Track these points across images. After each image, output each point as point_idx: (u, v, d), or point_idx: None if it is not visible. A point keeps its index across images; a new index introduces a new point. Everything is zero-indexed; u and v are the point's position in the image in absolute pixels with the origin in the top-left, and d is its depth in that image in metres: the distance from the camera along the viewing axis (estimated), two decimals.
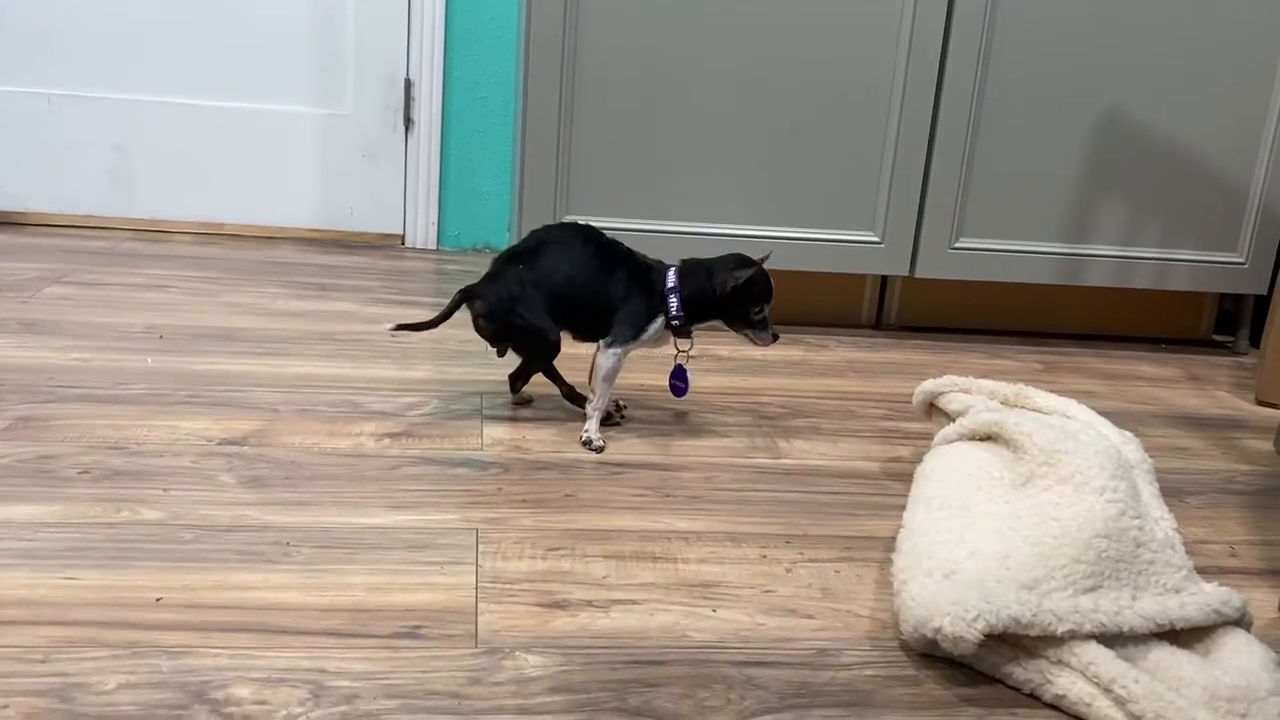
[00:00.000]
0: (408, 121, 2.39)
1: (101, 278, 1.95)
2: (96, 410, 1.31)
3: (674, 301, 1.32)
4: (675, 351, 1.39)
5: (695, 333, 1.36)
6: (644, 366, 1.50)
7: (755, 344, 1.35)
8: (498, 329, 1.32)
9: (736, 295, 1.31)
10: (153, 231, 2.37)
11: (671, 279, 1.33)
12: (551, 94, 1.77)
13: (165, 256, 2.17)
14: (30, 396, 1.34)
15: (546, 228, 1.38)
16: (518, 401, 1.44)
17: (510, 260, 1.33)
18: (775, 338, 1.34)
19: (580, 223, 1.37)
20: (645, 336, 1.33)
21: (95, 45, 2.30)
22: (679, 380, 1.41)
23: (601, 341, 1.33)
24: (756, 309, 1.32)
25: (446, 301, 1.32)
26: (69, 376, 1.42)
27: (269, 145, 2.38)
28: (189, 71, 2.33)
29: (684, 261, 1.35)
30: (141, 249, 2.21)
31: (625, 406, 1.44)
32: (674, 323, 1.33)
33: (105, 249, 2.18)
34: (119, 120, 2.34)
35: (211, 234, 2.39)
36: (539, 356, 1.37)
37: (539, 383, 1.43)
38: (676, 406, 1.47)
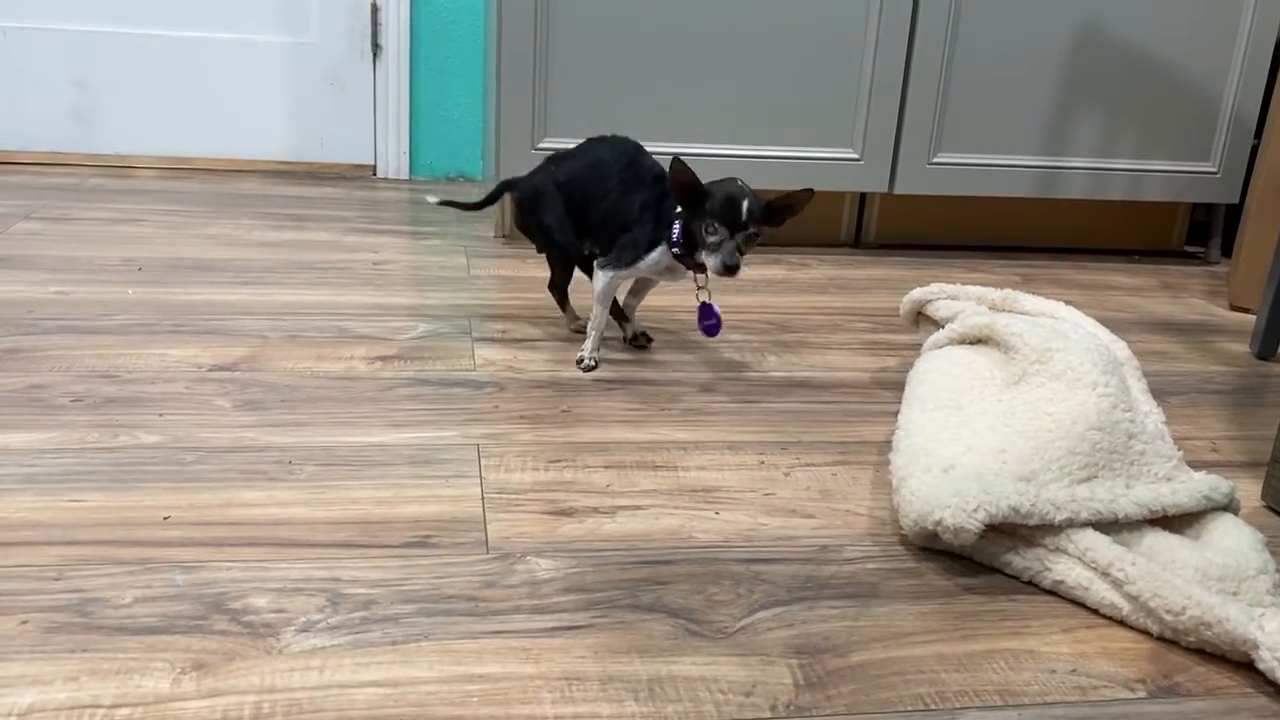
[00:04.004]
0: (375, 48, 2.34)
1: (71, 213, 1.91)
2: (81, 341, 1.29)
3: (676, 227, 1.23)
4: (696, 288, 1.30)
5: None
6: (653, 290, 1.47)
7: (710, 270, 1.19)
8: (523, 219, 1.40)
9: (685, 203, 1.19)
10: (118, 167, 2.32)
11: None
12: (526, 13, 1.75)
13: (134, 191, 2.13)
14: (12, 329, 1.32)
15: (601, 136, 1.34)
16: (575, 330, 1.41)
17: (551, 159, 1.38)
18: (729, 269, 1.16)
19: (627, 137, 1.33)
20: (642, 265, 1.28)
21: None
22: (707, 319, 1.31)
23: (597, 260, 1.32)
24: (709, 226, 1.17)
25: (447, 204, 1.49)
26: (50, 309, 1.40)
27: (234, 76, 2.33)
28: (149, 0, 2.27)
29: None
30: (109, 184, 2.17)
31: (652, 340, 1.42)
32: (674, 250, 1.24)
33: (71, 185, 2.14)
34: (79, 53, 2.27)
35: (179, 168, 2.34)
36: (548, 252, 1.40)
37: (544, 308, 1.43)
38: (666, 327, 1.47)
